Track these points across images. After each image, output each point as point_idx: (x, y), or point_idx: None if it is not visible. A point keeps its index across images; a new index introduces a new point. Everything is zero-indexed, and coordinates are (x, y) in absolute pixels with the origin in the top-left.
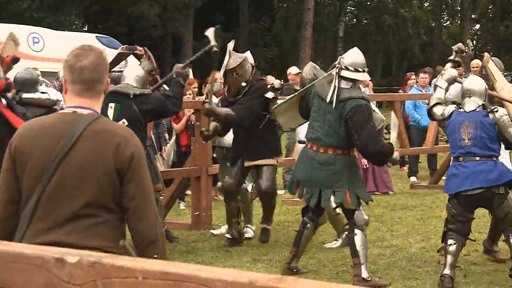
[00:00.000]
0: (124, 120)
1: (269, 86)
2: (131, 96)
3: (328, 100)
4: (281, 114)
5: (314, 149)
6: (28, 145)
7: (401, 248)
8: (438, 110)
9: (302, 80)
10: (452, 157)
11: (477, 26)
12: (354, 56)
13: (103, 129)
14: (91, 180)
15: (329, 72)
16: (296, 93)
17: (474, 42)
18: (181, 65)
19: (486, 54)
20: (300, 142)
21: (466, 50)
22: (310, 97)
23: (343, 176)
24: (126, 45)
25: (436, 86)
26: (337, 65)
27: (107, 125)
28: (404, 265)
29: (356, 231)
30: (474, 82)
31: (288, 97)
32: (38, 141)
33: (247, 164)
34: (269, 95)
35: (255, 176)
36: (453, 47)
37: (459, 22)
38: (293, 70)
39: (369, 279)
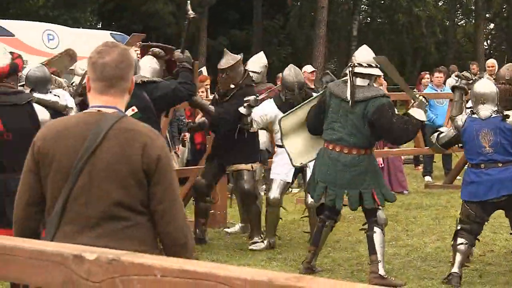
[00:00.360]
0: (134, 107)
1: (245, 104)
2: (139, 83)
3: (349, 99)
4: (289, 138)
5: (338, 150)
6: (52, 146)
7: (416, 248)
8: (450, 132)
9: (286, 82)
10: (469, 163)
11: (492, 26)
12: (365, 52)
13: (128, 129)
14: (117, 180)
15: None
16: (300, 105)
17: (489, 41)
18: (179, 50)
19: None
20: (278, 146)
21: (473, 78)
22: (326, 99)
23: (367, 177)
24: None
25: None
26: (350, 64)
27: (132, 124)
28: (419, 265)
29: (376, 229)
30: (487, 86)
31: (294, 108)
32: (63, 142)
33: (228, 169)
34: (242, 110)
35: (236, 178)
36: (457, 74)
37: (473, 21)
38: (307, 68)
39: (386, 277)
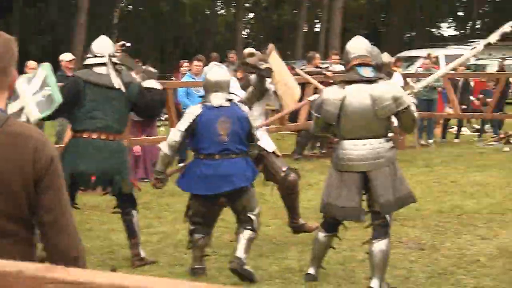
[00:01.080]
0: None
1: None
2: None
3: (117, 87)
4: None
5: (103, 137)
6: None
7: (168, 235)
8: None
9: None
10: (198, 155)
11: (251, 15)
12: (104, 43)
13: (17, 132)
14: (6, 191)
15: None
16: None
17: (248, 30)
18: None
19: (270, 46)
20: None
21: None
22: (79, 89)
23: (124, 162)
24: None
25: None
26: (106, 54)
27: (20, 127)
28: (171, 252)
29: (133, 212)
30: (220, 74)
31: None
32: None
33: None
34: None
35: None
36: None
37: (233, 10)
38: (66, 56)
39: (146, 259)
